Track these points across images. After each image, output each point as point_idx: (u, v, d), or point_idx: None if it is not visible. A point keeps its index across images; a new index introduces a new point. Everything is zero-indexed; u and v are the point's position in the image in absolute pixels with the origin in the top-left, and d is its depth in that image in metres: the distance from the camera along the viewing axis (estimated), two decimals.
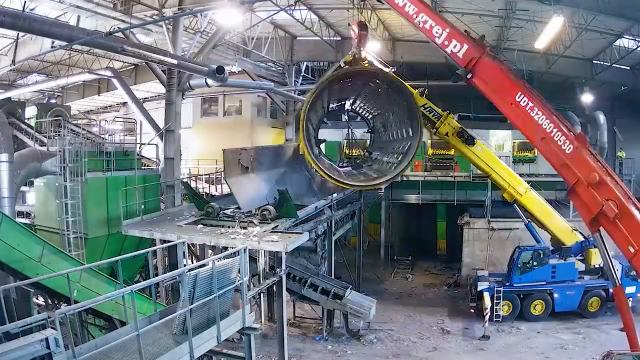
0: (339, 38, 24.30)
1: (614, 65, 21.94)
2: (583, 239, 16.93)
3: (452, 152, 27.27)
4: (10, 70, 20.18)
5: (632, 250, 10.13)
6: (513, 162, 26.65)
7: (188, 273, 7.36)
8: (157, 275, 11.81)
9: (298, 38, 24.90)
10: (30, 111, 32.06)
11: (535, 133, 11.00)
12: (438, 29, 11.46)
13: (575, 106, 25.30)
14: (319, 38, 22.74)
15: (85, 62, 24.15)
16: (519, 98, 10.99)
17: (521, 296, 17.49)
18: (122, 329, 8.23)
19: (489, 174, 17.24)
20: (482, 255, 22.12)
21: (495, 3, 17.94)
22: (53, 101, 29.03)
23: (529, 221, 17.94)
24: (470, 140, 16.24)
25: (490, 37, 22.38)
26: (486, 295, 17.07)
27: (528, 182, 25.76)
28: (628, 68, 22.73)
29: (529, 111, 10.92)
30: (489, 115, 27.97)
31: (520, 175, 25.71)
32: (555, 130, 10.89)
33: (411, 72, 24.57)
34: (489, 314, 16.57)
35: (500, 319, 17.10)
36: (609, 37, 19.69)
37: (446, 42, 11.39)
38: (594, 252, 16.50)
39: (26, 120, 29.37)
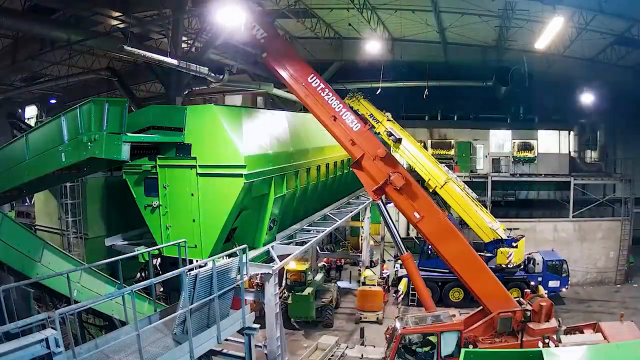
0: (339, 37, 24.29)
1: (614, 65, 21.92)
2: (500, 238, 18.23)
3: (452, 152, 27.30)
4: (10, 70, 20.10)
5: (417, 216, 11.92)
6: (513, 162, 26.62)
7: (188, 273, 7.37)
8: (157, 275, 11.82)
9: (297, 38, 24.88)
10: (30, 111, 32.13)
11: (326, 112, 11.90)
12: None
13: (576, 106, 25.28)
14: (318, 38, 22.72)
15: (85, 62, 24.11)
16: (311, 79, 11.87)
17: (439, 283, 19.07)
18: (122, 329, 8.24)
19: (412, 166, 18.90)
20: None
21: (495, 3, 17.89)
22: (53, 101, 28.99)
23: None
24: (397, 140, 17.60)
25: (490, 37, 22.41)
26: (403, 281, 18.64)
27: (528, 182, 26.05)
28: (629, 68, 22.71)
29: (320, 92, 11.84)
30: (489, 116, 28.00)
31: (521, 175, 26.00)
32: (344, 110, 11.92)
33: (411, 71, 24.54)
34: (401, 296, 18.31)
35: (415, 303, 18.55)
36: (609, 37, 19.66)
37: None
38: (503, 252, 18.17)
39: (26, 120, 29.45)
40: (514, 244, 18.37)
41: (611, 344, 9.00)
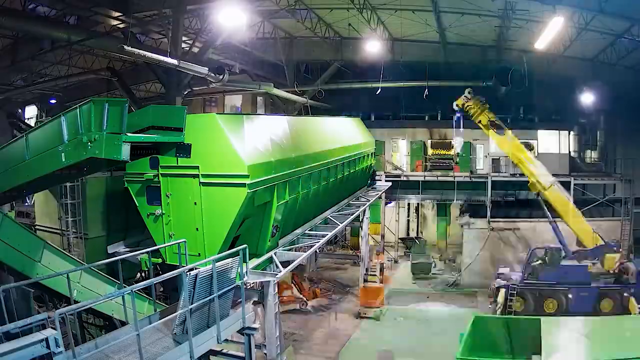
0: (339, 37, 24.31)
1: (614, 65, 21.94)
2: (603, 243, 17.62)
3: (452, 152, 27.26)
4: (10, 70, 20.11)
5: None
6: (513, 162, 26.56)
7: (188, 273, 7.36)
8: (157, 275, 11.81)
9: (298, 38, 24.89)
10: (30, 111, 32.15)
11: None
12: None
13: (576, 106, 25.28)
14: (318, 38, 22.74)
15: (85, 62, 24.12)
16: None
17: (537, 294, 18.00)
18: (122, 329, 8.23)
19: (517, 163, 19.50)
20: (482, 255, 22.13)
21: (495, 3, 17.90)
22: (53, 101, 29.01)
23: (553, 220, 18.65)
24: (500, 131, 18.71)
25: (490, 37, 22.41)
26: (501, 292, 17.89)
27: (528, 182, 25.96)
28: (629, 68, 22.72)
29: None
30: None
31: (521, 175, 25.90)
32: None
33: (411, 72, 24.54)
34: (500, 308, 17.57)
35: (512, 314, 17.61)
36: (608, 37, 19.67)
37: None
38: (611, 257, 17.32)
39: (26, 120, 29.46)
40: (615, 249, 17.65)
41: (608, 317, 8.95)
